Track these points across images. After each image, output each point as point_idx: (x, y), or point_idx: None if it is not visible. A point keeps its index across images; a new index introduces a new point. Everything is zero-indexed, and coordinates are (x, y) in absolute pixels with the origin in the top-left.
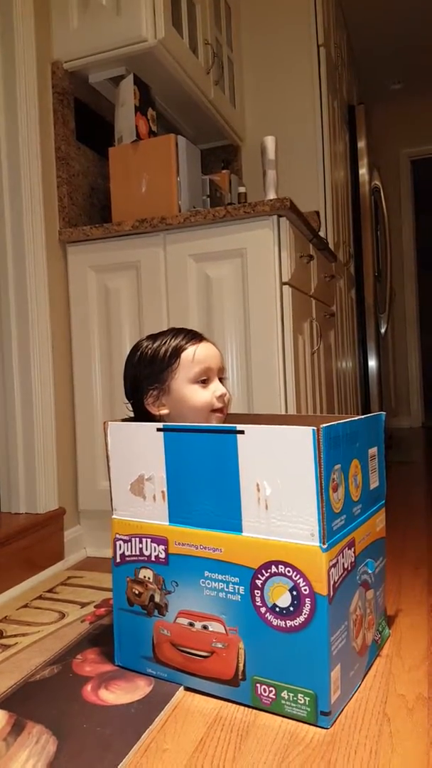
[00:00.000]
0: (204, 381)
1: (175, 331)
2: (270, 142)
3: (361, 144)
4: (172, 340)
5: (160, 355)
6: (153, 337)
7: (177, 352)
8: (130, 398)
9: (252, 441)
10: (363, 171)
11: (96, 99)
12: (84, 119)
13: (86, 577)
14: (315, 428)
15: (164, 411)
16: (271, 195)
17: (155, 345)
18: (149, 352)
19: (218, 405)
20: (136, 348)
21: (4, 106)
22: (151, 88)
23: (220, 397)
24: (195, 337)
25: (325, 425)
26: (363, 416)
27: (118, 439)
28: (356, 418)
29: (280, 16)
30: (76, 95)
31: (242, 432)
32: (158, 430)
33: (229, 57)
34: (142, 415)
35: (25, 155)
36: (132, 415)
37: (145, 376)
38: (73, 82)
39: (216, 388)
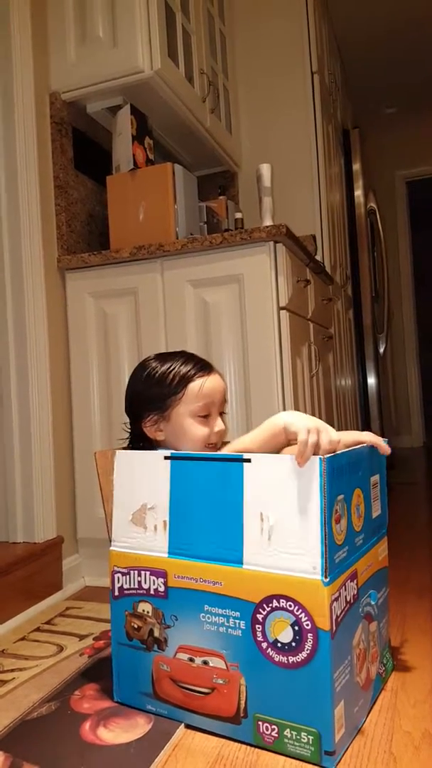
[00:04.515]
0: (206, 416)
1: (185, 357)
2: (265, 169)
3: (356, 167)
4: (182, 367)
5: (167, 381)
6: (162, 358)
7: (184, 381)
8: (129, 414)
9: (258, 470)
10: (358, 193)
11: (94, 128)
12: (82, 148)
13: (85, 607)
14: (321, 457)
15: (161, 437)
16: (268, 221)
17: (163, 368)
18: (156, 374)
19: (213, 440)
20: (143, 366)
21: (2, 136)
22: (148, 117)
23: (217, 433)
24: (204, 368)
25: (328, 455)
26: (366, 444)
27: (124, 467)
28: (359, 447)
29: (275, 45)
30: (74, 125)
31: (249, 461)
32: (166, 458)
33: (225, 85)
34: (137, 434)
35: (23, 184)
36: (127, 434)
37: (148, 397)
38: (71, 112)
39: (215, 424)
